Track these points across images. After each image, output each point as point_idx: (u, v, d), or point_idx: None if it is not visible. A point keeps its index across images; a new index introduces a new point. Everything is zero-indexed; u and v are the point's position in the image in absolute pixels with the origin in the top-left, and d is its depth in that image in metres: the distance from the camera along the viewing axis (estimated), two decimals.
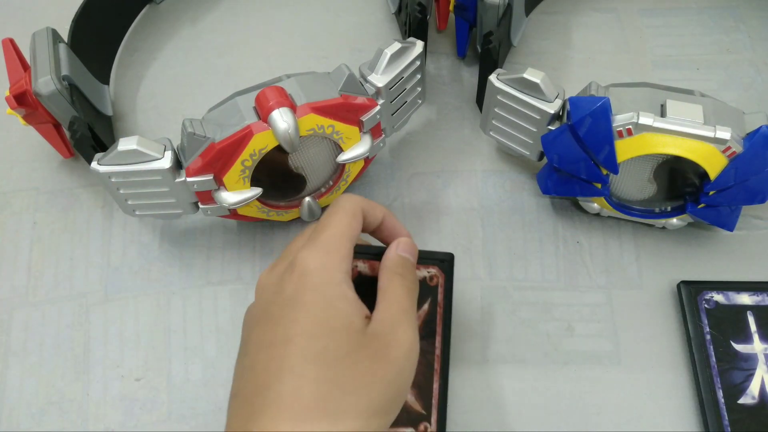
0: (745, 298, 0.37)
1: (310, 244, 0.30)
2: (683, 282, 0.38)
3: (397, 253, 0.32)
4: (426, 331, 0.34)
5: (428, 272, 0.35)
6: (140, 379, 0.38)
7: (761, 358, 0.36)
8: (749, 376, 0.35)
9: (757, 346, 0.36)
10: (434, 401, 0.34)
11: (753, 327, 0.37)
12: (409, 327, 0.29)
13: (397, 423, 0.33)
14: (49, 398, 0.37)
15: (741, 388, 0.35)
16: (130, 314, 0.39)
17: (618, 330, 0.38)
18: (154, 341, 0.39)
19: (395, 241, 0.33)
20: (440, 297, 0.35)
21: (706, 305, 0.37)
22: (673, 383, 0.37)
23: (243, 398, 0.27)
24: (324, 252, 0.29)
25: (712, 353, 0.36)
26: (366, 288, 0.31)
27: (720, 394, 0.35)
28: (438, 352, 0.34)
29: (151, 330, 0.39)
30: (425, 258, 0.35)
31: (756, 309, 0.37)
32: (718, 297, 0.37)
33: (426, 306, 0.35)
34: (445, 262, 0.35)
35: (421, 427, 0.33)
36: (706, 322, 0.37)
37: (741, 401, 0.35)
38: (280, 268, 0.30)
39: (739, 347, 0.36)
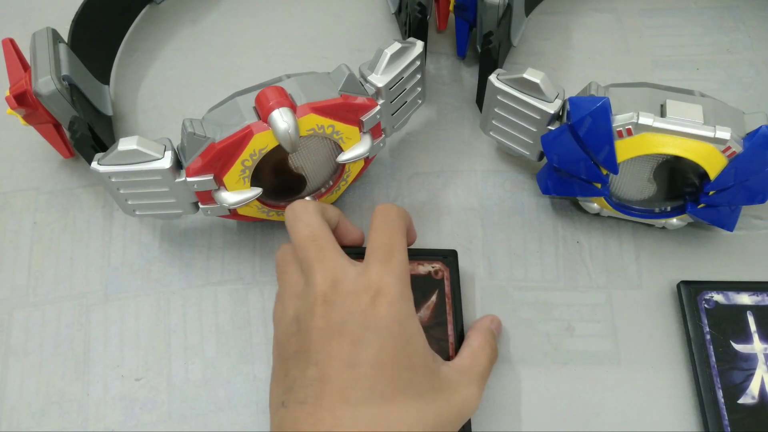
0: (745, 298, 0.37)
1: (385, 267, 0.31)
2: (683, 282, 0.38)
3: (491, 327, 0.36)
4: (437, 321, 0.36)
5: (432, 267, 0.37)
6: (140, 379, 0.38)
7: (761, 358, 0.36)
8: (749, 376, 0.35)
9: (756, 346, 0.36)
10: None
11: (753, 327, 0.37)
12: (481, 390, 0.32)
13: None
14: (49, 398, 0.37)
15: (741, 388, 0.35)
16: (130, 314, 0.39)
17: (618, 330, 0.38)
18: (154, 341, 0.39)
19: (489, 316, 0.37)
20: (447, 288, 0.37)
21: (705, 305, 0.37)
22: (673, 383, 0.37)
23: (319, 408, 0.28)
24: (401, 280, 0.31)
25: (712, 353, 0.36)
26: None
27: (720, 394, 0.35)
28: (452, 339, 0.36)
29: (151, 330, 0.39)
30: (429, 255, 0.37)
31: (756, 309, 0.37)
32: (718, 297, 0.37)
33: (434, 298, 0.36)
34: (448, 257, 0.38)
35: None
36: (705, 322, 0.37)
37: (741, 401, 0.35)
38: (348, 285, 0.30)
39: (739, 347, 0.36)
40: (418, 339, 0.31)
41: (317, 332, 0.29)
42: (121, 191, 0.36)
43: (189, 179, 0.35)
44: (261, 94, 0.33)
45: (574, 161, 0.36)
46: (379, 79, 0.36)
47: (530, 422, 0.36)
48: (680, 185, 0.38)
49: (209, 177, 0.35)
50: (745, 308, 0.37)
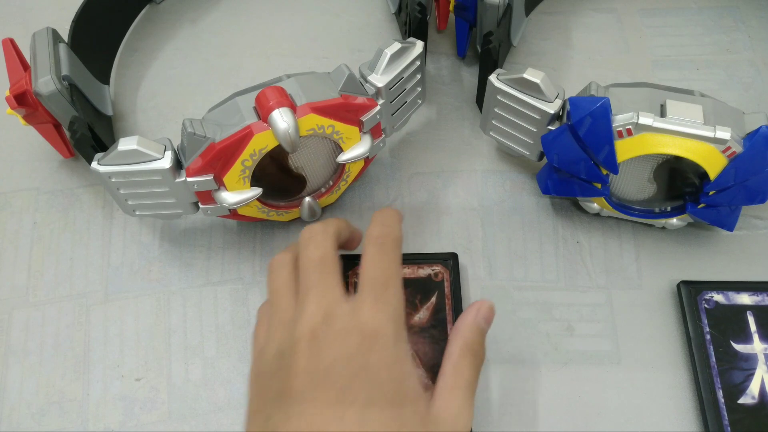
0: (745, 298, 0.37)
1: (377, 304, 0.29)
2: (683, 282, 0.38)
3: (476, 322, 0.32)
4: (436, 321, 0.37)
5: (432, 270, 0.38)
6: (140, 379, 0.38)
7: (761, 358, 0.36)
8: (749, 376, 0.35)
9: (757, 346, 0.36)
10: None
11: (753, 327, 0.37)
12: (470, 409, 0.30)
13: None
14: (49, 398, 0.37)
15: (741, 388, 0.35)
16: (130, 314, 0.39)
17: (618, 330, 0.38)
18: (154, 341, 0.39)
19: (476, 305, 0.32)
20: (447, 290, 0.37)
21: (705, 305, 0.37)
22: (673, 383, 0.37)
23: None
24: (394, 319, 0.29)
25: (712, 353, 0.36)
26: None
27: (720, 394, 0.35)
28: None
29: (151, 330, 0.39)
30: (430, 258, 0.39)
31: (756, 309, 0.37)
32: (718, 297, 0.37)
33: (433, 299, 0.37)
34: (448, 260, 0.38)
35: None
36: (705, 322, 0.37)
37: (741, 401, 0.35)
38: (339, 323, 0.28)
39: (739, 347, 0.36)
40: (409, 381, 0.29)
41: (303, 375, 0.28)
42: (121, 191, 0.36)
43: (189, 179, 0.35)
44: (261, 94, 0.33)
45: (574, 161, 0.36)
46: (379, 79, 0.36)
47: (530, 422, 0.36)
48: (680, 185, 0.38)
49: (209, 177, 0.35)
50: (745, 308, 0.37)
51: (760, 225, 0.41)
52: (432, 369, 0.35)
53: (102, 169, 0.34)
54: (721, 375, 0.35)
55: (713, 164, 0.34)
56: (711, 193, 0.35)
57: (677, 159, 0.35)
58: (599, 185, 0.37)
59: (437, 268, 0.38)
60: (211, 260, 0.41)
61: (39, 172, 0.44)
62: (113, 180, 0.35)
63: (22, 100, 0.39)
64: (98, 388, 0.37)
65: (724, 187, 0.35)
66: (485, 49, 0.41)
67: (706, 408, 0.35)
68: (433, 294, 0.37)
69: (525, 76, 0.36)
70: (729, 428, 0.34)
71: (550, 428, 0.36)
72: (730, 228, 0.38)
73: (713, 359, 0.36)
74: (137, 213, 0.38)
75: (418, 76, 0.39)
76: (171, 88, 0.48)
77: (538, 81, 0.36)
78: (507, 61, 0.48)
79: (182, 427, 0.36)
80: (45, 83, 0.38)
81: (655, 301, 0.39)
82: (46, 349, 0.39)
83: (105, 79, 0.46)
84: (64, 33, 0.42)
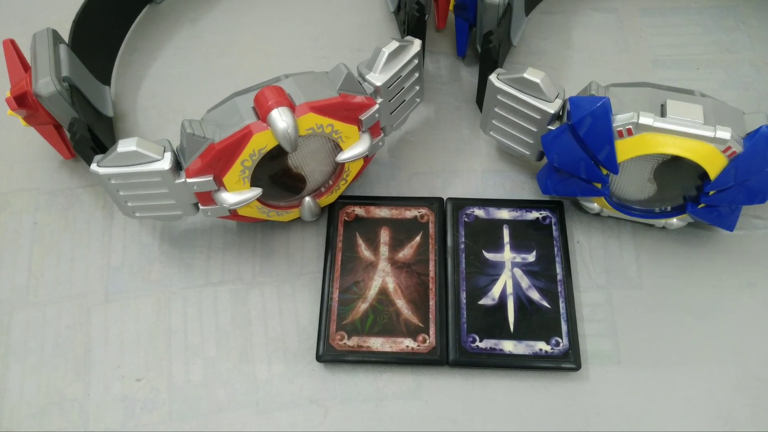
0: (504, 214, 0.40)
1: None
2: (450, 198, 0.41)
3: None
4: (420, 258, 0.39)
5: (419, 212, 0.41)
6: (141, 380, 0.38)
7: (508, 266, 0.39)
8: (493, 281, 0.38)
9: (506, 255, 0.39)
10: (431, 316, 0.37)
11: (506, 239, 0.39)
12: None
13: (397, 335, 0.37)
14: (50, 398, 0.37)
15: (484, 291, 0.38)
16: (131, 314, 0.39)
17: (618, 330, 0.38)
18: (155, 341, 0.39)
19: None
20: (431, 231, 0.40)
21: (465, 219, 0.40)
22: (674, 383, 0.37)
23: None
24: None
25: (463, 260, 0.39)
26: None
27: (463, 295, 0.38)
28: (432, 274, 0.39)
29: (152, 330, 0.39)
30: (417, 201, 0.41)
31: (512, 223, 0.40)
32: (479, 212, 0.40)
33: (418, 238, 0.40)
34: (434, 204, 0.41)
35: (420, 338, 0.37)
36: (462, 233, 0.40)
37: (481, 302, 0.38)
38: None
39: (489, 255, 0.39)
40: None
41: None
42: (121, 193, 0.36)
43: (189, 180, 0.35)
44: (260, 93, 0.33)
45: (574, 161, 0.36)
46: (378, 77, 0.36)
47: (531, 422, 0.36)
48: (680, 185, 0.38)
49: (209, 178, 0.35)
50: (502, 222, 0.40)
51: (760, 225, 0.41)
52: (412, 302, 0.38)
53: (101, 171, 0.34)
54: (468, 279, 0.38)
55: (713, 164, 0.34)
56: (711, 193, 0.35)
57: (677, 159, 0.35)
58: (599, 185, 0.37)
59: (423, 210, 0.40)
60: (211, 261, 0.41)
61: (39, 172, 0.44)
62: (113, 182, 0.35)
63: (23, 101, 0.39)
64: (99, 388, 0.38)
65: (724, 187, 0.35)
66: (485, 48, 0.41)
67: (450, 307, 0.37)
68: (418, 234, 0.40)
69: (525, 75, 0.36)
70: (465, 325, 0.37)
71: (550, 428, 0.36)
72: (730, 228, 0.38)
73: (463, 265, 0.38)
74: (137, 215, 0.38)
75: (416, 75, 0.39)
76: (171, 88, 0.48)
77: (538, 81, 0.36)
78: (507, 60, 0.48)
79: (183, 428, 0.36)
80: (45, 84, 0.38)
81: (655, 301, 0.39)
82: (46, 349, 0.39)
83: (106, 79, 0.46)
84: (65, 33, 0.42)
